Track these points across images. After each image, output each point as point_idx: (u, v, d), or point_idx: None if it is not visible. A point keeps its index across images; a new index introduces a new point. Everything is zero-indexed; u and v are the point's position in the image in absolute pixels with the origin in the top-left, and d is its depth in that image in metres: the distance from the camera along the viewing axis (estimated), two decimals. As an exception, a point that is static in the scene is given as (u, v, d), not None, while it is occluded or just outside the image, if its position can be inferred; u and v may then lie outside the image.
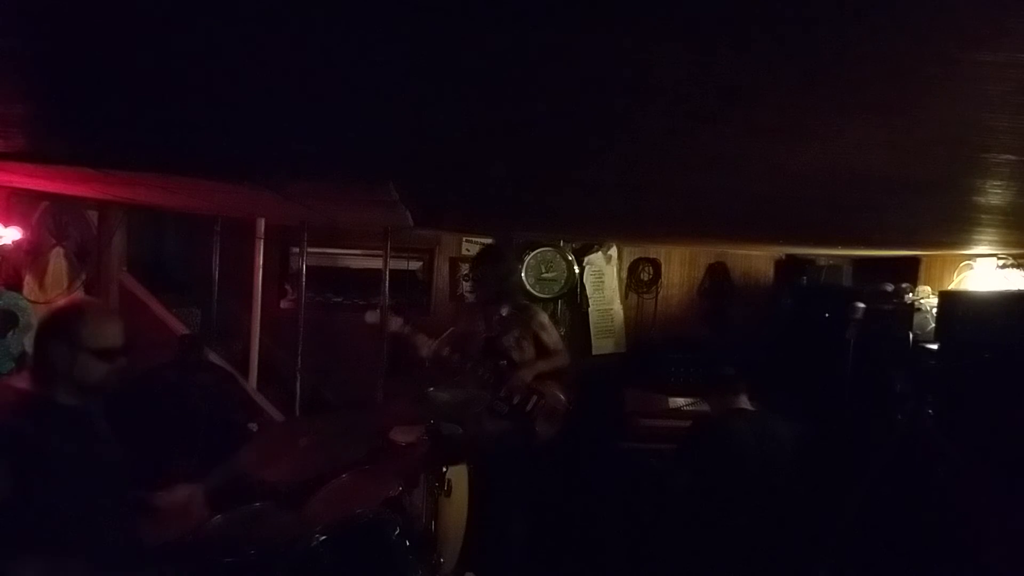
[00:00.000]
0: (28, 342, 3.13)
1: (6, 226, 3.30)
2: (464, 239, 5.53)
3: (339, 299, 5.47)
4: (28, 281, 3.53)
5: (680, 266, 5.75)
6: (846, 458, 3.49)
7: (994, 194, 2.15)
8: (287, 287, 5.41)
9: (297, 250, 5.03)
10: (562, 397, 3.97)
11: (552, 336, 4.05)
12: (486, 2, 0.96)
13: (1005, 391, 3.26)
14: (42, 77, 1.46)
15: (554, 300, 5.48)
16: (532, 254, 5.41)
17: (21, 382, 2.16)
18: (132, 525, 2.25)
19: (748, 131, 1.60)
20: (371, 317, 4.15)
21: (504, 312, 3.97)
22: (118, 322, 2.23)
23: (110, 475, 2.18)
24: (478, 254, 4.33)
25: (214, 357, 4.33)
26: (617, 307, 5.67)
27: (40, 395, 2.11)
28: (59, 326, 2.14)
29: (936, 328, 3.97)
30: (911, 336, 4.13)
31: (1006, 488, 3.05)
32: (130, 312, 4.17)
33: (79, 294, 3.88)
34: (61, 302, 2.60)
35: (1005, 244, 3.66)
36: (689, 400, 4.73)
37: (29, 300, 3.38)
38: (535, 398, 3.83)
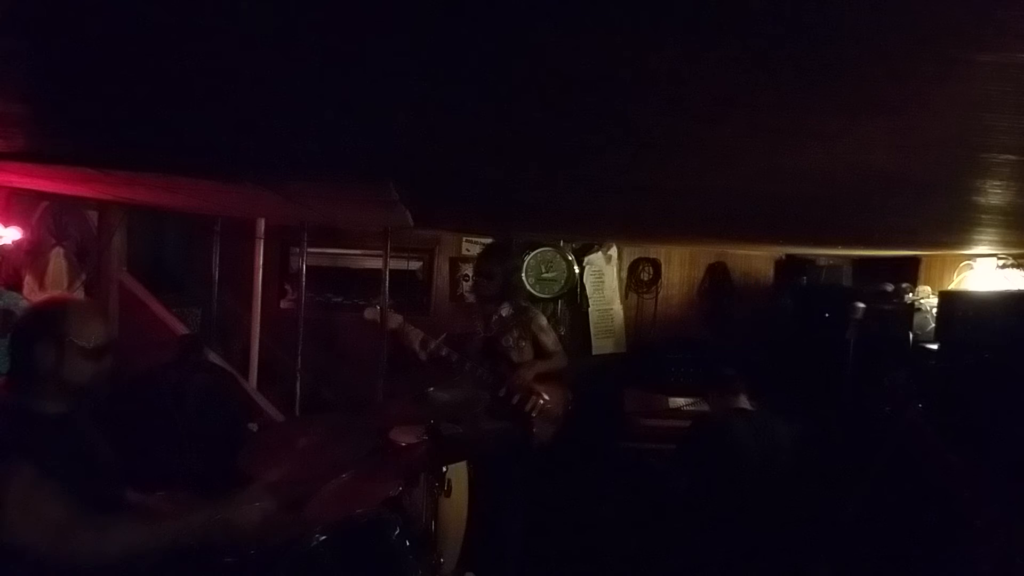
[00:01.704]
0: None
1: (6, 226, 3.31)
2: (464, 239, 5.54)
3: (339, 299, 5.48)
4: (28, 281, 3.53)
5: (680, 266, 5.74)
6: (846, 458, 3.50)
7: (994, 194, 2.15)
8: (287, 287, 5.41)
9: (297, 250, 5.04)
10: (562, 398, 3.97)
11: (551, 337, 4.05)
12: (486, 2, 0.96)
13: (1005, 391, 3.26)
14: (42, 77, 1.46)
15: (554, 300, 5.48)
16: (532, 254, 5.41)
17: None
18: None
19: (748, 131, 1.60)
20: (370, 314, 4.14)
21: (504, 312, 3.97)
22: (104, 318, 2.13)
23: (99, 483, 2.09)
24: (486, 249, 4.32)
25: (214, 357, 4.33)
26: (617, 307, 5.67)
27: (21, 404, 1.96)
28: (43, 325, 2.00)
29: (936, 328, 3.97)
30: (911, 336, 4.13)
31: (1005, 487, 3.05)
32: (130, 312, 4.17)
33: (79, 294, 3.89)
34: (40, 299, 2.43)
35: (1005, 244, 3.66)
36: (689, 400, 4.73)
37: (29, 300, 3.38)
38: (535, 398, 3.83)
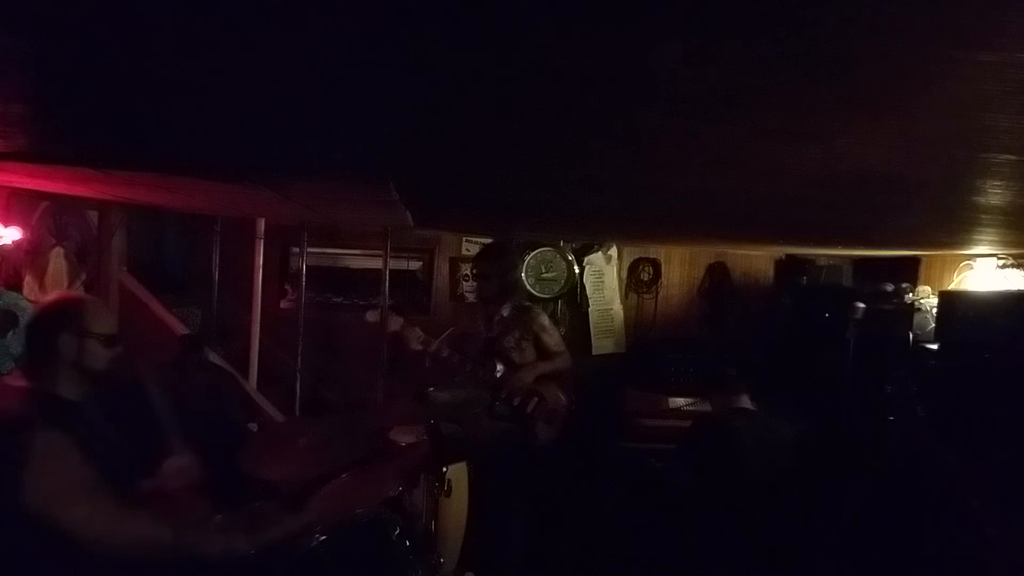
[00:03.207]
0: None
1: (6, 226, 3.30)
2: (464, 239, 5.53)
3: (339, 299, 5.47)
4: (28, 281, 3.53)
5: (680, 266, 5.74)
6: (846, 458, 3.50)
7: (994, 194, 2.16)
8: (287, 287, 5.41)
9: (297, 250, 5.03)
10: (563, 399, 3.96)
11: (553, 337, 4.03)
12: (486, 3, 0.96)
13: (1005, 391, 3.26)
14: (42, 77, 1.46)
15: (554, 300, 5.48)
16: (532, 254, 5.41)
17: (17, 381, 2.18)
18: None
19: (748, 131, 1.60)
20: (372, 316, 4.15)
21: (505, 312, 3.96)
22: (111, 309, 2.29)
23: (114, 468, 2.18)
24: (482, 250, 4.31)
25: (214, 357, 4.33)
26: (617, 307, 5.66)
27: (42, 390, 2.13)
28: (65, 316, 2.18)
29: (936, 328, 3.97)
30: (911, 336, 4.13)
31: (1005, 488, 3.05)
32: (130, 312, 4.16)
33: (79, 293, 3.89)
34: (51, 296, 2.64)
35: (1005, 244, 3.66)
36: (689, 400, 4.73)
37: (29, 300, 3.38)
38: (536, 400, 3.83)
